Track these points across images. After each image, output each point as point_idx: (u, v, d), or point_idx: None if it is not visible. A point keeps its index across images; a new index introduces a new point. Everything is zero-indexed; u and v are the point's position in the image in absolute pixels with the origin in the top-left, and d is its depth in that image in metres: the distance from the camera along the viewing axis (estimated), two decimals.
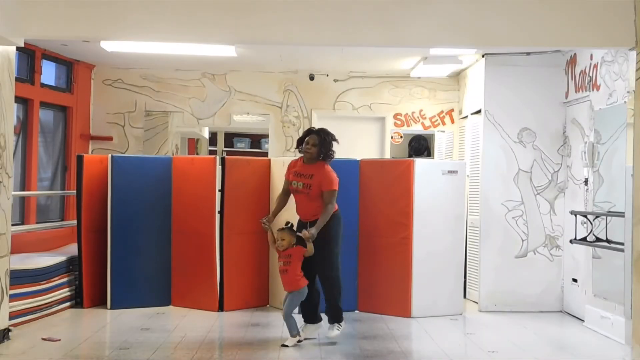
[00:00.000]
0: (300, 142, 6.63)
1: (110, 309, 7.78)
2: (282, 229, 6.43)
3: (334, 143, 6.59)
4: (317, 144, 6.48)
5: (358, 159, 8.16)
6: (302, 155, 6.62)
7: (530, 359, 6.19)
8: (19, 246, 7.39)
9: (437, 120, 9.89)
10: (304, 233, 6.33)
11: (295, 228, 6.47)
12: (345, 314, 7.73)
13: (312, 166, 6.53)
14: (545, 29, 6.24)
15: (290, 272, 6.36)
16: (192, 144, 10.62)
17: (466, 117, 9.29)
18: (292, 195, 6.68)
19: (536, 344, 6.70)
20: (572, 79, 8.00)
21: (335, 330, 6.54)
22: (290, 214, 6.76)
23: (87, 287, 7.85)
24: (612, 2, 6.08)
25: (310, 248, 6.34)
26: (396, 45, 6.86)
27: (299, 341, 6.40)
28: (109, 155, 7.92)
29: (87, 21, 6.19)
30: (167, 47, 7.89)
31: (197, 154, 10.57)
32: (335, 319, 6.56)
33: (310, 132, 6.60)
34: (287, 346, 6.29)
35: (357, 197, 8.00)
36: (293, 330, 6.39)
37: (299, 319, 6.56)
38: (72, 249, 8.16)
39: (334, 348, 6.31)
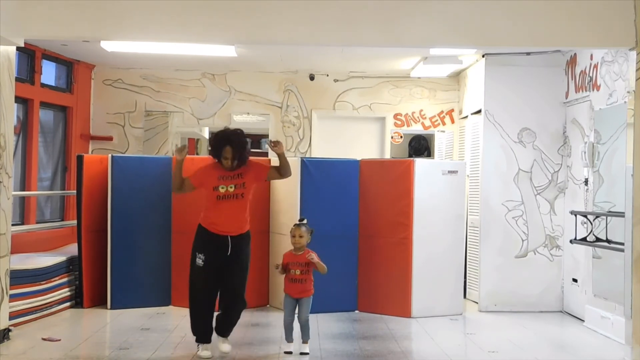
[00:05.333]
0: (215, 150, 5.89)
1: (110, 309, 7.78)
2: (298, 224, 6.21)
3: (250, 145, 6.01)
4: (235, 156, 5.79)
5: (358, 159, 8.16)
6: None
7: (530, 359, 6.19)
8: (19, 246, 7.38)
9: (437, 120, 9.88)
10: (278, 147, 5.80)
11: (206, 240, 5.86)
12: (345, 314, 7.70)
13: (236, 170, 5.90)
14: (545, 29, 6.23)
15: (308, 281, 6.22)
16: (192, 144, 10.62)
17: (466, 117, 9.28)
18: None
19: (536, 344, 6.70)
20: (572, 79, 8.00)
21: (228, 343, 6.10)
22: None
23: (87, 287, 7.85)
24: (612, 2, 6.08)
25: (322, 268, 6.14)
26: (396, 45, 6.86)
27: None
28: (109, 155, 7.93)
29: (87, 21, 6.19)
30: (167, 47, 7.88)
31: (197, 154, 10.56)
32: (229, 332, 6.13)
33: (222, 142, 5.84)
34: (291, 353, 6.08)
35: (357, 197, 8.00)
36: (307, 336, 6.17)
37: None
38: (72, 249, 8.17)
39: (334, 348, 6.30)
